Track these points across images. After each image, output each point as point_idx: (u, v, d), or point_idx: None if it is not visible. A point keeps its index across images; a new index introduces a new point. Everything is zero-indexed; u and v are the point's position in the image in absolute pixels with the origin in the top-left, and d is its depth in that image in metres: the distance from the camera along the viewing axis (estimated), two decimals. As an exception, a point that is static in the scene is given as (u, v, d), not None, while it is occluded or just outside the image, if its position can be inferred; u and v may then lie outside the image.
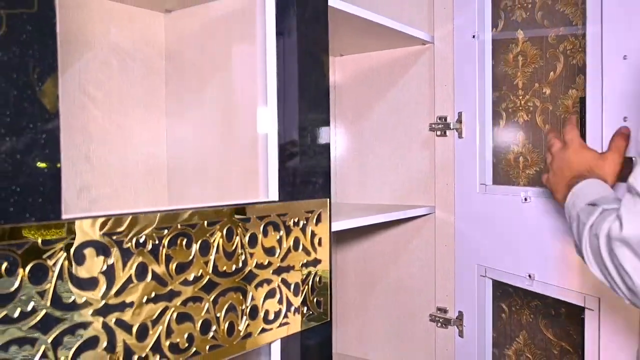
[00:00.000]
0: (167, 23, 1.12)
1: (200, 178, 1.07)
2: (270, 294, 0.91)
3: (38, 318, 0.61)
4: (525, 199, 1.19)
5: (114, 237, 0.68)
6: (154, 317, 0.73)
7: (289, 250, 0.93)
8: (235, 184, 0.99)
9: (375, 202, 1.54)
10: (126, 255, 0.69)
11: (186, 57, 1.10)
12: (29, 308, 0.60)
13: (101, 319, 0.67)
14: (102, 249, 0.67)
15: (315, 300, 1.00)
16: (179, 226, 0.76)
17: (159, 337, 0.73)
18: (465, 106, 1.34)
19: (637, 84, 0.93)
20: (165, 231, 0.74)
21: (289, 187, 0.94)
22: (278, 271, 0.92)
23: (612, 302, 1.00)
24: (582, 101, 1.08)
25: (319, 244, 0.99)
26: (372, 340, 1.58)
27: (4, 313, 0.58)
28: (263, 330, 0.89)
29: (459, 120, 1.35)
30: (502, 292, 1.33)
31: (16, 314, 0.59)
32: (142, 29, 1.09)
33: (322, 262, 1.00)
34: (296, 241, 0.95)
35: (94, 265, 0.66)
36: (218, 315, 0.82)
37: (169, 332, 0.75)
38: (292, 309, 0.95)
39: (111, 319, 0.68)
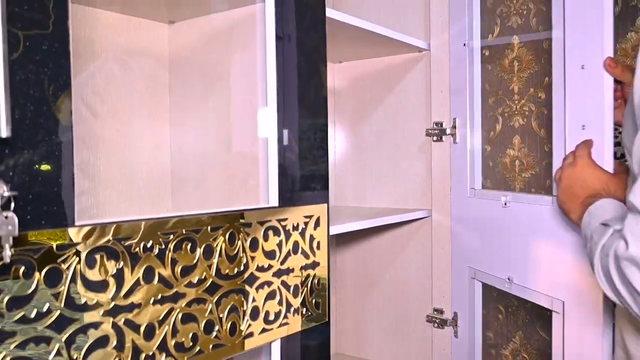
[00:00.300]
0: (170, 34, 1.14)
1: (203, 185, 1.09)
2: (270, 296, 0.93)
3: (53, 318, 0.64)
4: (505, 204, 1.20)
5: (123, 242, 0.72)
6: (161, 317, 0.76)
7: (288, 254, 0.96)
8: (236, 190, 1.02)
9: (373, 205, 1.55)
10: (134, 259, 0.73)
11: (189, 67, 1.12)
12: (45, 309, 0.63)
13: (111, 319, 0.70)
14: (112, 254, 0.70)
15: (314, 301, 1.02)
16: (183, 231, 0.79)
17: (165, 336, 0.77)
18: (459, 112, 1.36)
19: (596, 93, 0.93)
20: (171, 236, 0.77)
21: (288, 193, 0.96)
22: (278, 274, 0.94)
23: (577, 305, 1.02)
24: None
25: (318, 247, 1.02)
26: (370, 341, 1.59)
27: (22, 314, 0.61)
28: (264, 330, 0.92)
29: (454, 126, 1.37)
30: (498, 293, 1.34)
31: (33, 315, 0.62)
32: (147, 40, 1.11)
33: (320, 265, 1.03)
34: (295, 245, 0.97)
35: (104, 268, 0.70)
36: (221, 315, 0.85)
37: (174, 331, 0.78)
38: (292, 310, 0.97)
39: (120, 320, 0.71)
